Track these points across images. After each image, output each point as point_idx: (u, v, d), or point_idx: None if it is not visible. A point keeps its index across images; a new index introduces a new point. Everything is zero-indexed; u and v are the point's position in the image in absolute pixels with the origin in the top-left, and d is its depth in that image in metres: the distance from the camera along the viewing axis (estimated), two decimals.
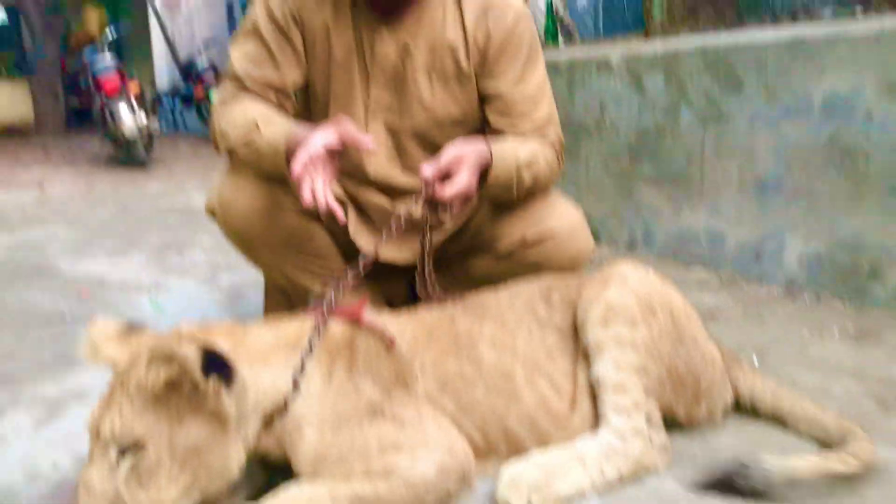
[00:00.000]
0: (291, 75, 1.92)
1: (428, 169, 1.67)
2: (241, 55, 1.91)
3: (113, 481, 1.23)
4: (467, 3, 1.90)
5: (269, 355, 1.42)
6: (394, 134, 1.97)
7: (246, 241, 1.96)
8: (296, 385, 1.39)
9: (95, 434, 1.27)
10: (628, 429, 1.49)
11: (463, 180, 1.67)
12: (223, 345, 1.35)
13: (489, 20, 1.90)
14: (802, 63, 2.66)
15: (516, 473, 1.43)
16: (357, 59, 1.92)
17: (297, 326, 1.50)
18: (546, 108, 1.95)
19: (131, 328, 1.44)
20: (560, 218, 1.94)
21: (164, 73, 22.77)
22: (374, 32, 1.89)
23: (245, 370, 1.34)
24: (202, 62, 10.80)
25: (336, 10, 1.89)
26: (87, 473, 1.24)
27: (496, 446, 1.52)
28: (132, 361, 1.29)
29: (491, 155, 1.77)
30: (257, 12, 1.91)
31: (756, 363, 2.18)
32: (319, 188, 1.60)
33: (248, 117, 1.80)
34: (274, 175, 1.84)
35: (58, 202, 5.83)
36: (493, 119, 1.94)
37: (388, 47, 1.90)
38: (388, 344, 1.51)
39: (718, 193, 3.04)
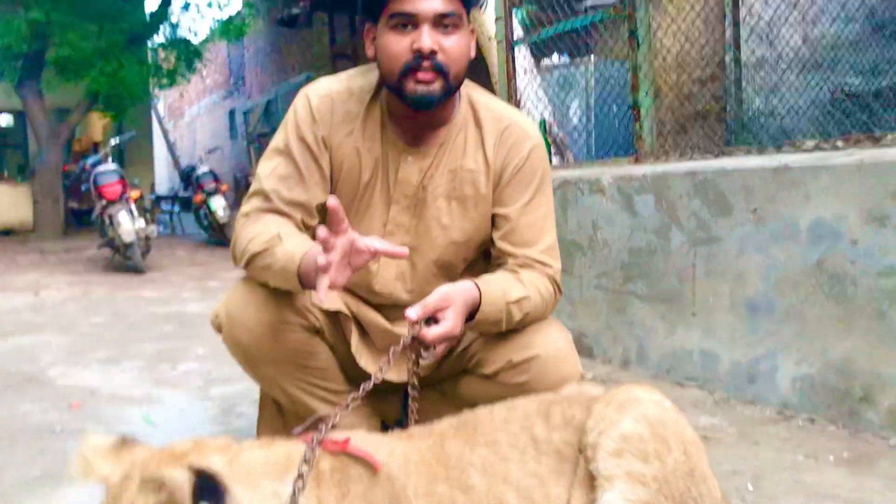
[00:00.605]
0: (318, 195, 1.97)
1: (414, 311, 1.70)
2: (269, 172, 1.96)
3: None
4: (487, 130, 1.99)
5: (259, 478, 1.39)
6: (409, 252, 2.02)
7: (250, 356, 1.97)
8: None
9: None
10: None
11: (448, 324, 1.72)
12: (217, 463, 1.33)
13: (506, 147, 1.99)
14: (788, 190, 2.75)
15: None
16: (381, 181, 1.99)
17: (288, 450, 1.47)
18: (549, 238, 2.01)
19: (124, 443, 1.41)
20: (546, 344, 1.96)
21: (163, 176, 23.19)
22: (399, 157, 1.97)
23: (238, 491, 1.31)
24: (203, 168, 11.00)
25: (365, 136, 1.98)
26: None
27: None
28: (124, 482, 1.26)
29: (480, 295, 1.82)
30: (288, 132, 1.98)
31: (750, 488, 2.17)
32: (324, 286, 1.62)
33: (272, 230, 1.85)
34: (280, 288, 1.87)
35: (52, 307, 5.84)
36: (498, 241, 2.00)
37: (411, 173, 1.97)
38: (374, 469, 1.48)
39: (710, 314, 3.08)
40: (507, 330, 1.94)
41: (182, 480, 1.20)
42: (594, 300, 3.67)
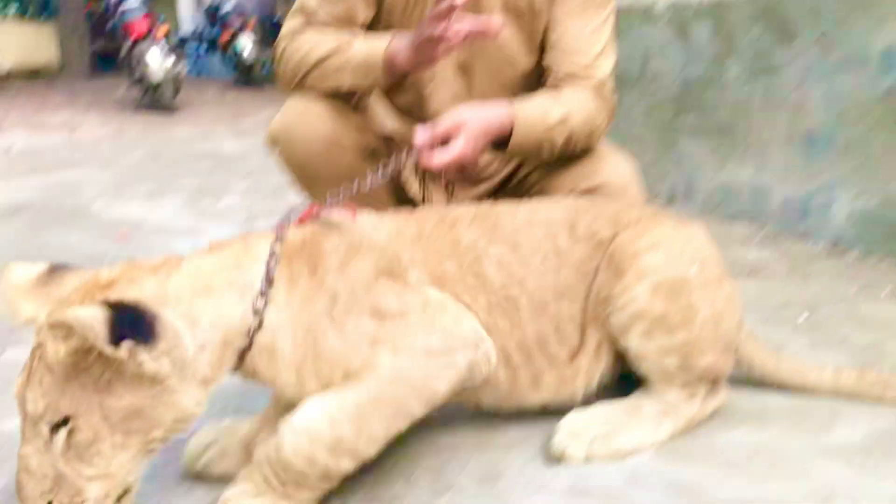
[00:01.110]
0: (363, 12, 1.88)
1: (422, 134, 1.62)
2: None
3: (51, 459, 1.11)
4: None
5: (211, 284, 1.25)
6: (464, 72, 1.93)
7: (306, 172, 1.93)
8: (264, 295, 1.27)
9: (23, 409, 1.12)
10: (682, 397, 1.51)
11: (456, 149, 1.61)
12: (149, 287, 1.18)
13: None
14: (861, 13, 2.57)
15: (577, 425, 1.43)
16: None
17: (247, 241, 1.35)
18: (599, 45, 1.86)
19: (51, 273, 1.24)
20: (612, 172, 1.88)
21: (188, 16, 22.57)
22: None
23: (178, 311, 1.18)
24: (228, 6, 10.66)
25: None
26: (23, 452, 1.12)
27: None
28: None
29: (513, 121, 1.72)
30: None
31: (802, 319, 2.16)
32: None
33: (336, 36, 1.79)
34: (356, 86, 1.82)
35: (88, 145, 5.84)
36: (548, 52, 1.88)
37: None
38: (350, 214, 1.41)
39: (765, 147, 2.98)
40: (568, 157, 1.87)
41: (92, 321, 1.04)
42: (642, 136, 3.56)
